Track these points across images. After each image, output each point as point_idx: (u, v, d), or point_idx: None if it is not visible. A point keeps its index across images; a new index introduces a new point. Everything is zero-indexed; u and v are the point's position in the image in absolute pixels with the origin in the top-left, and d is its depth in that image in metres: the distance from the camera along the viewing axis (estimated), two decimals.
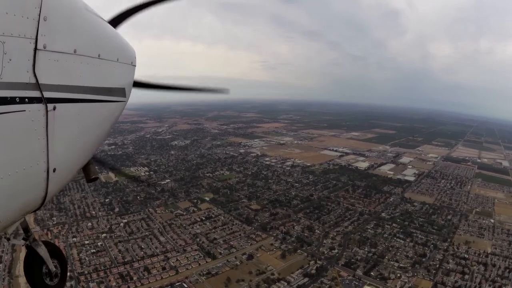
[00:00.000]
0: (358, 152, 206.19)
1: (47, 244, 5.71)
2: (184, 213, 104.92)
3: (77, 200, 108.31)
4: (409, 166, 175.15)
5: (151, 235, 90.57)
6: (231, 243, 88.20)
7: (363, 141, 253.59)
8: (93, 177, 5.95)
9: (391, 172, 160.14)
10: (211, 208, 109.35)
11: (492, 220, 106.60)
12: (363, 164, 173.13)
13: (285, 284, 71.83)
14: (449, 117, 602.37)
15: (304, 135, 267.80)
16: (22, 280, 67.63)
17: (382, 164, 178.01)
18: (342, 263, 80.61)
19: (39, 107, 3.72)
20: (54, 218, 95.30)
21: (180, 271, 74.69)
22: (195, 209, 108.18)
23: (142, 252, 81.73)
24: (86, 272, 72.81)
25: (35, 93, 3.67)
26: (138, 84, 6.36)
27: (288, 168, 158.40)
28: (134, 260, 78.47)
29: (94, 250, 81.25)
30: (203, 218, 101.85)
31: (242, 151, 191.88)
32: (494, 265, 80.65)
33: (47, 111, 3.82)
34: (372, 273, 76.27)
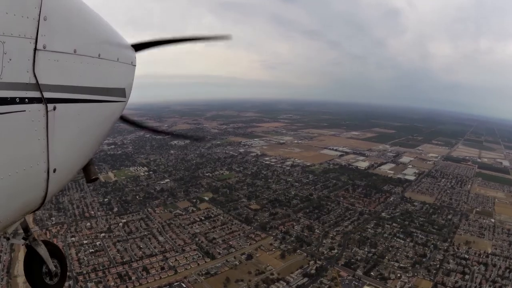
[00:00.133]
0: (358, 151, 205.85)
1: (47, 243, 5.71)
2: (183, 213, 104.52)
3: (76, 200, 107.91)
4: (409, 166, 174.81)
5: (150, 235, 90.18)
6: (230, 243, 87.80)
7: (363, 140, 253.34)
8: (93, 177, 5.93)
9: (391, 172, 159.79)
10: (210, 208, 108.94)
11: (493, 220, 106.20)
12: (363, 164, 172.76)
13: (285, 284, 71.42)
14: (449, 116, 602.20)
15: (304, 134, 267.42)
16: (21, 280, 67.42)
17: (382, 163, 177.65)
18: (342, 263, 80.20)
19: (39, 107, 3.70)
20: (53, 218, 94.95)
21: (179, 271, 74.29)
22: (194, 209, 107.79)
23: (140, 252, 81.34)
24: (84, 272, 72.41)
25: (35, 93, 3.64)
26: (139, 47, 6.25)
27: (288, 168, 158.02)
28: (133, 260, 78.10)
29: (93, 250, 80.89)
30: (202, 218, 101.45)
31: (241, 150, 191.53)
32: (494, 265, 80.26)
33: (47, 111, 3.80)
34: (372, 273, 75.86)
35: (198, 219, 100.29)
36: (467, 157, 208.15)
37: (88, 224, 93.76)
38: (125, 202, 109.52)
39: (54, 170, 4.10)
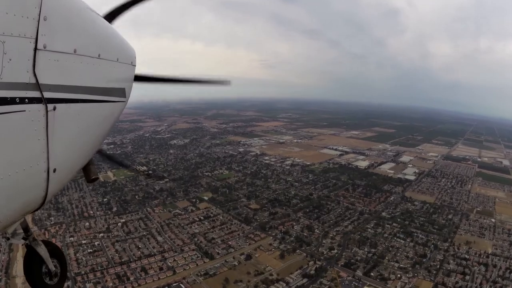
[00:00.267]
0: (358, 151, 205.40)
1: (47, 243, 5.73)
2: (183, 212, 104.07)
3: (75, 200, 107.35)
4: (409, 165, 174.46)
5: (149, 234, 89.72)
6: (230, 243, 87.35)
7: (363, 139, 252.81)
8: (93, 177, 5.93)
9: (391, 171, 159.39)
10: (209, 208, 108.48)
11: (493, 220, 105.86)
12: (363, 163, 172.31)
13: (284, 285, 71.02)
14: (449, 116, 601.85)
15: (304, 133, 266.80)
16: (19, 280, 67.07)
17: (382, 163, 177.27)
18: (342, 263, 79.80)
19: (39, 107, 3.70)
20: (52, 218, 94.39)
21: (178, 272, 73.86)
22: (194, 209, 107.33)
23: (139, 252, 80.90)
24: (83, 272, 71.99)
25: (35, 93, 3.64)
26: (139, 78, 6.27)
27: (288, 167, 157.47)
28: (131, 260, 77.65)
29: (91, 250, 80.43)
30: (202, 217, 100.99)
31: (241, 150, 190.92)
32: (495, 266, 79.93)
33: (47, 111, 3.80)
34: (372, 274, 75.48)
35: (197, 219, 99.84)
36: (467, 157, 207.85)
37: (87, 224, 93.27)
38: (124, 202, 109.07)
39: (54, 170, 4.11)
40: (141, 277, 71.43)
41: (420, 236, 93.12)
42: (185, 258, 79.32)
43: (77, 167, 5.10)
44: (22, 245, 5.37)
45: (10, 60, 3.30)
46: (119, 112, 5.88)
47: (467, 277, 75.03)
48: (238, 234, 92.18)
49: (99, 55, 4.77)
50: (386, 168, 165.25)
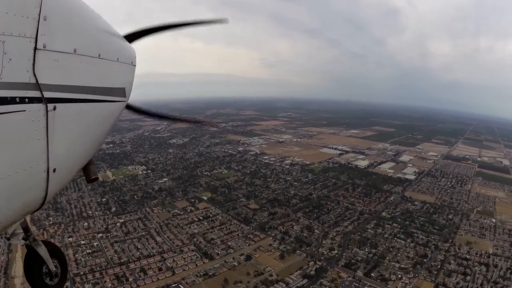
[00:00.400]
0: (358, 150, 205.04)
1: (47, 244, 5.70)
2: (182, 212, 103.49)
3: (74, 200, 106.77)
4: (409, 165, 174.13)
5: (148, 235, 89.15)
6: (229, 243, 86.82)
7: (363, 139, 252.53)
8: (93, 177, 5.91)
9: (391, 171, 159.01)
10: (209, 208, 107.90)
11: (494, 220, 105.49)
12: (362, 163, 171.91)
13: (284, 285, 70.53)
14: (448, 115, 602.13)
15: (303, 132, 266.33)
16: (18, 281, 66.80)
17: (382, 162, 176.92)
18: (342, 264, 79.30)
19: (39, 107, 3.69)
20: (51, 218, 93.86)
21: (177, 272, 73.30)
22: (193, 209, 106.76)
23: (138, 253, 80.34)
24: (81, 273, 71.47)
25: (35, 93, 3.62)
26: (133, 37, 6.19)
27: (287, 167, 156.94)
28: (130, 260, 77.09)
29: (90, 251, 79.86)
30: (201, 217, 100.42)
31: (240, 149, 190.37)
32: (496, 266, 79.56)
33: (47, 111, 3.78)
34: (372, 274, 74.99)
35: (196, 219, 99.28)
36: (467, 156, 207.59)
37: (86, 224, 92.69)
38: (123, 202, 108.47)
39: (54, 170, 4.09)
40: (140, 278, 70.86)
41: (421, 236, 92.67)
42: (184, 258, 78.75)
43: (77, 167, 5.09)
44: (22, 245, 5.39)
45: (10, 60, 3.28)
46: (120, 112, 5.87)
47: (468, 278, 74.60)
48: (238, 235, 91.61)
49: (99, 55, 4.77)
50: (386, 168, 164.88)
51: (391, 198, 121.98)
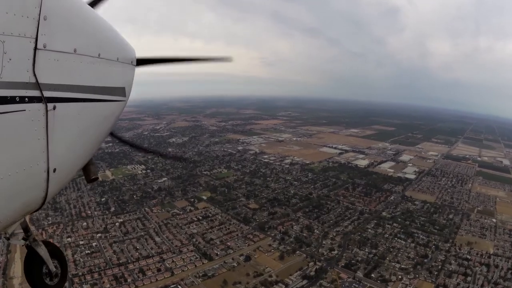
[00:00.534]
0: (358, 149, 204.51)
1: (47, 244, 5.69)
2: (181, 212, 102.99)
3: (73, 200, 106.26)
4: (409, 164, 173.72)
5: (147, 235, 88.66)
6: (228, 243, 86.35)
7: (363, 138, 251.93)
8: (93, 177, 5.89)
9: (391, 170, 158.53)
10: (208, 207, 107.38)
11: (494, 220, 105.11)
12: (362, 162, 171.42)
13: (283, 286, 70.12)
14: (448, 114, 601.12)
15: (303, 131, 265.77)
16: (17, 281, 66.52)
17: (382, 162, 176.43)
18: (342, 264, 78.90)
19: (39, 106, 3.69)
20: (50, 218, 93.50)
21: (176, 273, 72.94)
22: (192, 208, 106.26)
23: (137, 253, 79.88)
24: (80, 273, 71.07)
25: (35, 93, 3.63)
26: (141, 62, 6.15)
27: (287, 166, 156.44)
28: (129, 261, 76.66)
29: (89, 251, 79.48)
30: (200, 217, 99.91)
31: (240, 148, 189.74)
32: (496, 266, 79.22)
33: (47, 111, 3.78)
34: (372, 275, 74.59)
35: (195, 219, 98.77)
36: (467, 156, 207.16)
37: (85, 224, 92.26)
38: (122, 202, 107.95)
39: (54, 170, 4.07)
40: (139, 279, 70.46)
41: (421, 236, 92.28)
42: (183, 259, 78.28)
43: (77, 167, 5.06)
44: (22, 245, 5.35)
45: (10, 59, 3.27)
46: (120, 111, 5.84)
47: (469, 278, 74.23)
48: (237, 235, 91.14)
49: (99, 55, 4.74)
50: (386, 167, 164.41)
51: (391, 198, 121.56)
